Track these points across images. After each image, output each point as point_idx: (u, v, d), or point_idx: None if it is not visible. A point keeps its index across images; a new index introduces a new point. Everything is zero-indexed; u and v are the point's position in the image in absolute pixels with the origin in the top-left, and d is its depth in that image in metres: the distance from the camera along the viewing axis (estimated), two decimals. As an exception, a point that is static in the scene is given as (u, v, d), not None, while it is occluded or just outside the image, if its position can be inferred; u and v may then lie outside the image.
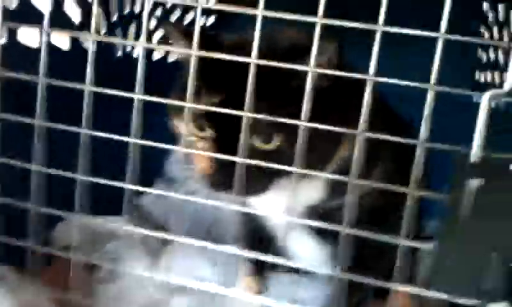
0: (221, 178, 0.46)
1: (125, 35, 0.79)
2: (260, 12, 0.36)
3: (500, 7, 0.83)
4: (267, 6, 0.36)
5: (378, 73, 0.35)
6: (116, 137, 0.38)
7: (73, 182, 0.41)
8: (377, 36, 0.34)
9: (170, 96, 0.50)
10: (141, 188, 0.40)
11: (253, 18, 0.37)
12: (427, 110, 0.34)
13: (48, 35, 0.41)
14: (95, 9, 0.38)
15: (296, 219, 0.43)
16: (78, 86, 0.37)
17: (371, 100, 0.36)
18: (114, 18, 0.75)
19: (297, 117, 0.39)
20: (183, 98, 0.42)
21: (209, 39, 0.45)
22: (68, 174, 0.40)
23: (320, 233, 0.55)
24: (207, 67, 0.42)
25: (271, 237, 0.60)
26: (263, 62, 0.38)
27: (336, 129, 0.38)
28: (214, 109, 0.41)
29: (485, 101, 0.33)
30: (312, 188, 0.52)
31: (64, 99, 0.42)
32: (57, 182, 0.42)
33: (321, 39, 0.37)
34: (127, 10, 0.78)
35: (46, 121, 0.40)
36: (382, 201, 0.50)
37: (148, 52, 0.83)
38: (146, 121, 0.41)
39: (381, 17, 0.34)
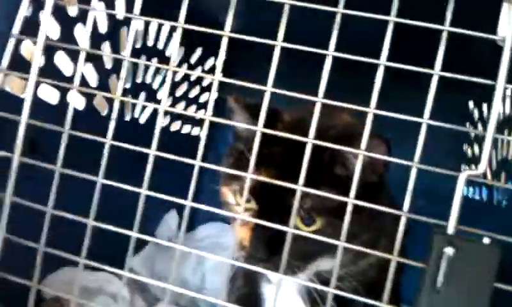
0: (259, 251, 0.48)
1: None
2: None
3: (484, 106, 0.91)
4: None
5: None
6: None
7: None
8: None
9: (223, 163, 0.56)
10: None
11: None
12: (410, 185, 0.38)
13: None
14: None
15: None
16: (99, 139, 0.41)
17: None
18: (127, 85, 0.81)
19: (339, 204, 0.39)
20: (235, 168, 0.46)
21: (271, 116, 0.45)
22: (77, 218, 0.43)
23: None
24: (260, 144, 0.41)
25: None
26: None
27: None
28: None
29: (461, 181, 0.37)
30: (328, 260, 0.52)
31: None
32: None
33: (374, 136, 0.39)
34: (139, 79, 0.84)
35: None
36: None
37: (150, 118, 0.88)
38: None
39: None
